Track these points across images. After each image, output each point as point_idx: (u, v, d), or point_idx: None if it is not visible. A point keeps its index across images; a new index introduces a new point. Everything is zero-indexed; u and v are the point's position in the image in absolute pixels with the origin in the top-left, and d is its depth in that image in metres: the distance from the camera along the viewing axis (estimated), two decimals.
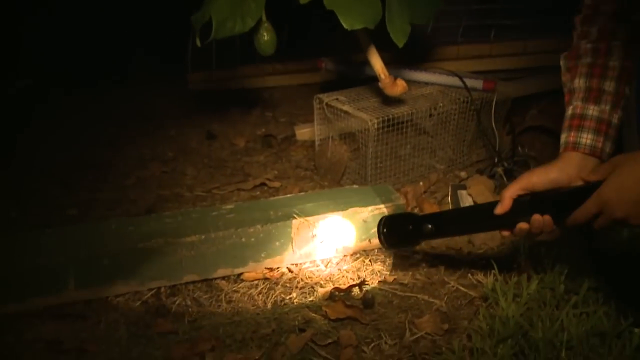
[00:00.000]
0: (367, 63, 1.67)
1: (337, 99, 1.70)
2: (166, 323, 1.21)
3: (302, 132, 1.96)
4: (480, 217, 1.19)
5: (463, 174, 1.78)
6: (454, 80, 1.76)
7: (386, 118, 1.59)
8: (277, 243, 1.34)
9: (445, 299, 1.27)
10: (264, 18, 1.41)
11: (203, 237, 1.28)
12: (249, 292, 1.30)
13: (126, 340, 1.17)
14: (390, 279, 1.34)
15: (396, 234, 1.24)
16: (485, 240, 1.45)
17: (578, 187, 1.07)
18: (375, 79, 1.67)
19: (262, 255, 1.33)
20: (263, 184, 1.73)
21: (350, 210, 1.38)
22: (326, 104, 1.70)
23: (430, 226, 1.20)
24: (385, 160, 1.68)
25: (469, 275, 1.34)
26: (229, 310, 1.25)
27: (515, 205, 1.11)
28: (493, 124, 1.75)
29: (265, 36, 1.41)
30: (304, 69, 2.27)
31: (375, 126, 1.57)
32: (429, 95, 1.76)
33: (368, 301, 1.25)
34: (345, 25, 1.31)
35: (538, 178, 1.09)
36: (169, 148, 1.98)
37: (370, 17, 1.29)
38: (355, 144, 1.76)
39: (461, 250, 1.43)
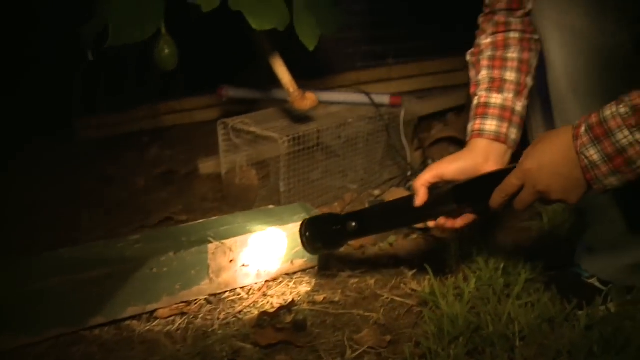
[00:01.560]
0: (270, 89, 1.61)
1: (242, 121, 1.61)
2: None
3: (206, 166, 1.84)
4: (401, 210, 1.15)
5: (377, 192, 1.73)
6: (361, 98, 1.73)
7: (297, 136, 1.52)
8: (193, 272, 1.20)
9: (381, 311, 1.18)
10: (163, 30, 1.31)
11: (107, 271, 1.12)
12: (166, 330, 1.14)
13: None
14: (320, 298, 1.23)
15: (320, 236, 1.16)
16: (411, 250, 1.39)
17: (493, 171, 1.05)
18: (281, 101, 1.61)
19: (177, 287, 1.19)
20: (169, 219, 1.59)
21: (269, 230, 1.27)
22: (232, 127, 1.60)
23: (354, 224, 1.13)
24: (297, 185, 1.60)
25: (402, 285, 1.26)
26: (143, 352, 1.08)
27: (433, 195, 1.08)
28: (403, 139, 1.73)
29: (166, 49, 1.30)
30: (203, 104, 2.17)
31: (286, 144, 1.49)
32: (337, 113, 1.72)
33: (299, 323, 1.14)
34: (254, 26, 1.24)
35: (446, 166, 1.10)
36: (63, 195, 1.79)
37: (278, 19, 1.23)
38: (264, 170, 1.67)
39: (388, 263, 1.36)
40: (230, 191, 1.65)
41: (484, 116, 1.11)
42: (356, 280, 1.30)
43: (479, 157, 1.09)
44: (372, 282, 1.28)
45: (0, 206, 1.68)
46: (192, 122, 2.18)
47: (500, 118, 1.11)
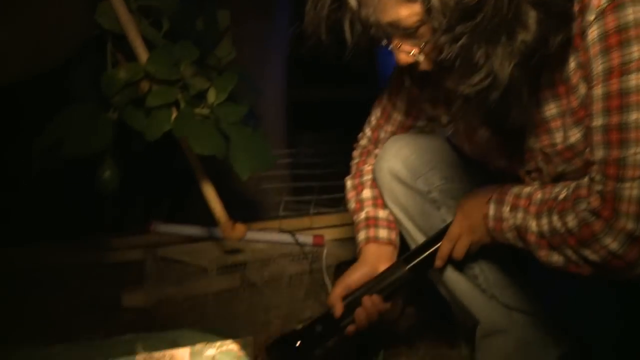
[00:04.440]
0: (201, 225, 1.70)
1: (172, 251, 1.69)
2: None
3: (131, 297, 1.85)
4: (330, 325, 1.29)
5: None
6: (286, 237, 1.86)
7: (225, 266, 1.60)
8: None
9: None
10: (108, 153, 1.41)
11: None
12: None
13: None
14: None
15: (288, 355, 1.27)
16: None
17: (433, 235, 1.28)
18: (212, 238, 1.71)
19: None
20: None
21: (198, 345, 1.31)
22: (161, 257, 1.67)
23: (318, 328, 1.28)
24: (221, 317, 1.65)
25: None
26: None
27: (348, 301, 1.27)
28: (325, 278, 1.84)
29: (107, 172, 1.39)
30: (131, 243, 2.21)
31: (215, 272, 1.57)
32: (263, 250, 1.83)
33: None
34: (195, 150, 1.38)
35: (350, 277, 1.31)
36: None
37: (218, 148, 1.37)
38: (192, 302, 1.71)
39: None
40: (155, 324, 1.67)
41: (376, 226, 1.35)
42: None
43: (374, 261, 1.32)
44: None
45: None
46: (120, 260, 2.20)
47: (388, 228, 1.36)
